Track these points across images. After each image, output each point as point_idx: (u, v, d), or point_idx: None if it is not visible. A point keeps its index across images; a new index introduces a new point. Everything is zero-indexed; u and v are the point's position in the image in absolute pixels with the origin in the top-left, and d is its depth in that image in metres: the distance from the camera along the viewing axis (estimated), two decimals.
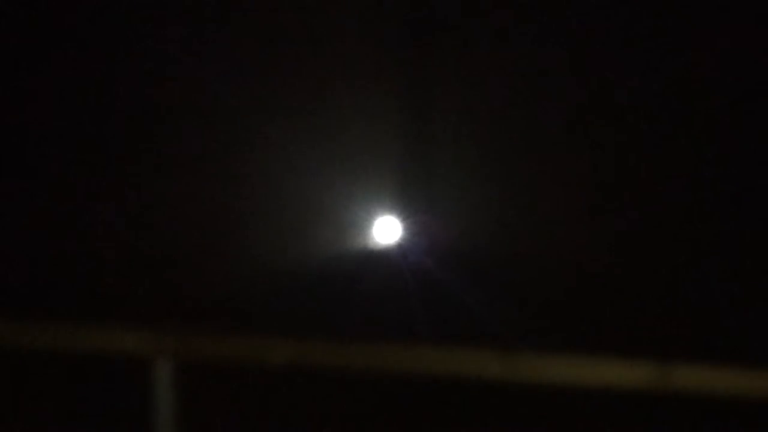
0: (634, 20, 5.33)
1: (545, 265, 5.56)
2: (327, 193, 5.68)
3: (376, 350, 3.00)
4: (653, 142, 5.50)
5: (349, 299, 5.55)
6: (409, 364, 3.03)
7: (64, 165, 5.51)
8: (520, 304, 5.53)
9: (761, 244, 5.45)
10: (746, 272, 5.45)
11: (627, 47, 5.39)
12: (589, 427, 5.19)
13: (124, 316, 5.10)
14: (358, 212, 5.73)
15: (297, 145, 5.65)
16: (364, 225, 5.75)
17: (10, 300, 5.19)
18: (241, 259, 5.60)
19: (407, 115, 5.63)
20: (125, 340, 2.83)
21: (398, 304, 5.58)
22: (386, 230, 5.74)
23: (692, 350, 5.18)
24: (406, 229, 5.73)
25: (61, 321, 2.65)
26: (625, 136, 5.49)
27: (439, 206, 5.70)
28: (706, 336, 5.37)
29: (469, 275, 5.59)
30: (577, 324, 5.41)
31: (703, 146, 5.46)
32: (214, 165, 5.63)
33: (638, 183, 5.51)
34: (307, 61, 5.55)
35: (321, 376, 4.88)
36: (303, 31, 5.44)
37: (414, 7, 5.51)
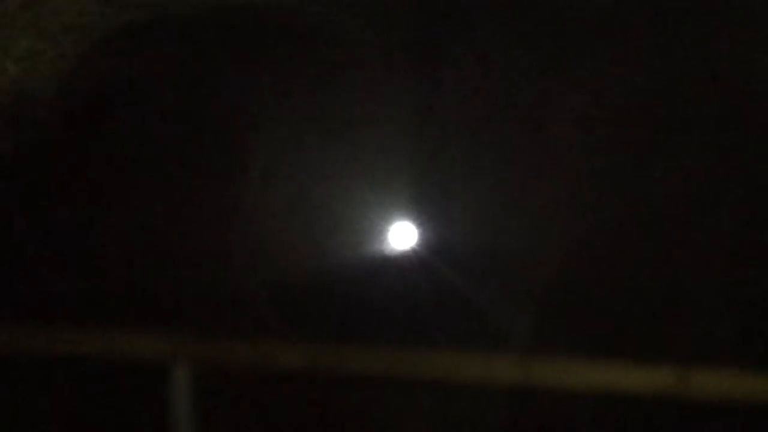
0: (636, 21, 5.33)
1: (563, 269, 5.56)
2: (342, 199, 5.68)
3: (392, 355, 3.00)
4: (665, 141, 5.49)
5: (364, 304, 5.55)
6: (426, 369, 3.03)
7: (77, 172, 5.52)
8: (539, 309, 5.52)
9: None
10: (765, 276, 5.44)
11: (632, 48, 5.39)
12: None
13: (142, 323, 5.10)
14: (373, 218, 5.73)
15: (312, 150, 5.66)
16: (380, 230, 5.75)
17: (30, 306, 5.20)
18: (256, 265, 5.61)
19: (422, 121, 5.64)
20: (143, 345, 2.84)
21: (414, 310, 5.58)
22: (402, 236, 5.74)
23: (710, 355, 5.17)
24: (421, 234, 5.73)
25: (80, 327, 2.66)
26: (640, 138, 5.49)
27: (455, 212, 5.70)
28: (724, 341, 5.36)
29: (485, 280, 5.59)
30: (596, 329, 5.40)
31: (712, 144, 5.45)
32: (231, 171, 5.64)
33: (661, 186, 5.51)
34: (322, 66, 5.56)
35: (336, 381, 4.88)
36: (318, 34, 5.45)
37: (427, 11, 5.52)
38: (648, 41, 5.26)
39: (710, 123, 5.37)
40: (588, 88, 5.44)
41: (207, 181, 5.59)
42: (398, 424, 5.41)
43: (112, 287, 5.41)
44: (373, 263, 5.71)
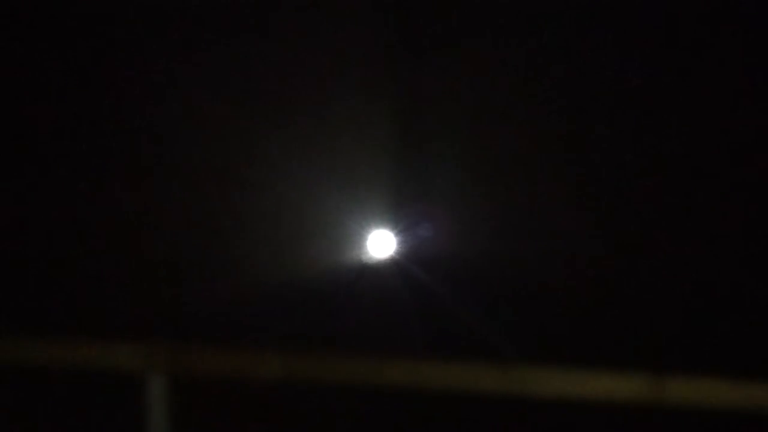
0: (632, 20, 5.33)
1: (540, 278, 5.56)
2: (321, 207, 5.67)
3: (370, 364, 2.99)
4: (653, 145, 5.50)
5: (343, 313, 5.54)
6: (404, 377, 3.02)
7: (60, 175, 5.50)
8: (515, 317, 5.53)
9: (757, 253, 5.45)
10: (741, 282, 5.45)
11: (626, 47, 5.40)
12: None
13: (117, 331, 5.08)
14: (352, 226, 5.72)
15: (291, 158, 5.65)
16: (358, 239, 5.74)
17: (3, 315, 5.18)
18: (234, 273, 5.60)
19: (401, 128, 5.63)
20: (118, 355, 2.82)
21: (393, 318, 5.58)
22: (380, 244, 5.74)
23: (685, 362, 5.18)
24: (400, 242, 5.72)
25: (53, 336, 2.64)
26: (624, 140, 5.49)
27: (434, 219, 5.69)
28: (699, 348, 5.37)
29: (463, 289, 5.59)
30: (572, 336, 5.41)
31: (702, 151, 5.46)
32: (208, 179, 5.63)
33: (637, 191, 5.51)
34: (301, 73, 5.56)
35: (314, 391, 4.87)
36: (298, 41, 5.44)
37: (409, 17, 5.51)
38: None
39: None
40: (578, 87, 5.45)
41: (185, 188, 5.58)
42: None
43: (87, 296, 5.39)
44: (353, 272, 5.70)
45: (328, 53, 5.53)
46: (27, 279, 5.43)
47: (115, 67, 5.47)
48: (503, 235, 5.62)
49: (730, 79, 5.36)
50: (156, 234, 5.55)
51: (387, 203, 5.70)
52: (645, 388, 2.72)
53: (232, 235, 5.63)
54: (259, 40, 5.52)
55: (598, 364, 2.61)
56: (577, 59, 5.40)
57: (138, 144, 5.53)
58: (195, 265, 5.56)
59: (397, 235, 5.72)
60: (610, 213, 5.55)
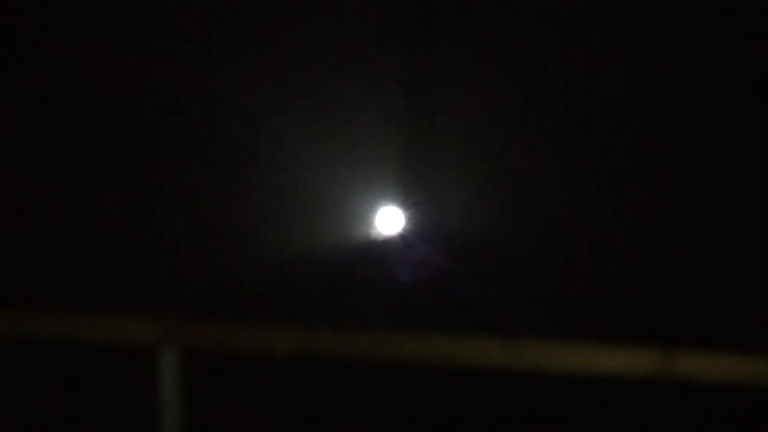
0: (634, 20, 5.34)
1: (548, 253, 5.57)
2: (329, 183, 5.68)
3: (379, 339, 3.01)
4: (653, 134, 5.51)
5: (352, 289, 5.56)
6: (412, 352, 3.04)
7: (65, 154, 5.52)
8: (524, 292, 5.54)
9: (765, 230, 5.46)
10: (750, 258, 5.46)
11: (628, 46, 5.40)
12: (592, 415, 5.20)
13: (129, 306, 5.11)
14: (360, 202, 5.73)
15: (299, 135, 5.66)
16: (367, 215, 5.75)
17: (17, 290, 5.20)
18: (244, 249, 5.62)
19: (410, 105, 5.64)
20: (130, 328, 2.84)
21: (401, 294, 5.59)
22: (389, 220, 5.75)
23: (695, 337, 5.20)
24: (408, 219, 5.73)
25: (67, 310, 2.66)
26: (625, 126, 5.50)
27: (442, 196, 5.70)
28: (708, 323, 5.38)
29: (472, 264, 5.60)
30: (581, 312, 5.42)
31: (701, 136, 5.47)
32: (216, 155, 5.64)
33: (640, 170, 5.53)
34: (309, 52, 5.56)
35: (324, 365, 4.90)
36: (304, 21, 5.44)
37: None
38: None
39: None
40: (584, 78, 5.46)
41: (196, 164, 5.60)
42: (386, 406, 5.43)
43: (100, 270, 5.42)
44: (362, 248, 5.71)
45: (337, 31, 5.53)
46: (39, 253, 5.45)
47: (116, 59, 5.48)
48: (512, 211, 5.62)
49: (729, 80, 5.37)
50: (169, 208, 5.56)
51: (396, 179, 5.71)
52: (654, 364, 2.74)
53: (243, 211, 5.65)
54: (268, 19, 5.53)
55: (608, 339, 2.63)
56: (586, 50, 5.41)
57: (151, 119, 5.54)
58: (206, 240, 5.58)
59: (405, 211, 5.72)
60: (623, 188, 5.56)
